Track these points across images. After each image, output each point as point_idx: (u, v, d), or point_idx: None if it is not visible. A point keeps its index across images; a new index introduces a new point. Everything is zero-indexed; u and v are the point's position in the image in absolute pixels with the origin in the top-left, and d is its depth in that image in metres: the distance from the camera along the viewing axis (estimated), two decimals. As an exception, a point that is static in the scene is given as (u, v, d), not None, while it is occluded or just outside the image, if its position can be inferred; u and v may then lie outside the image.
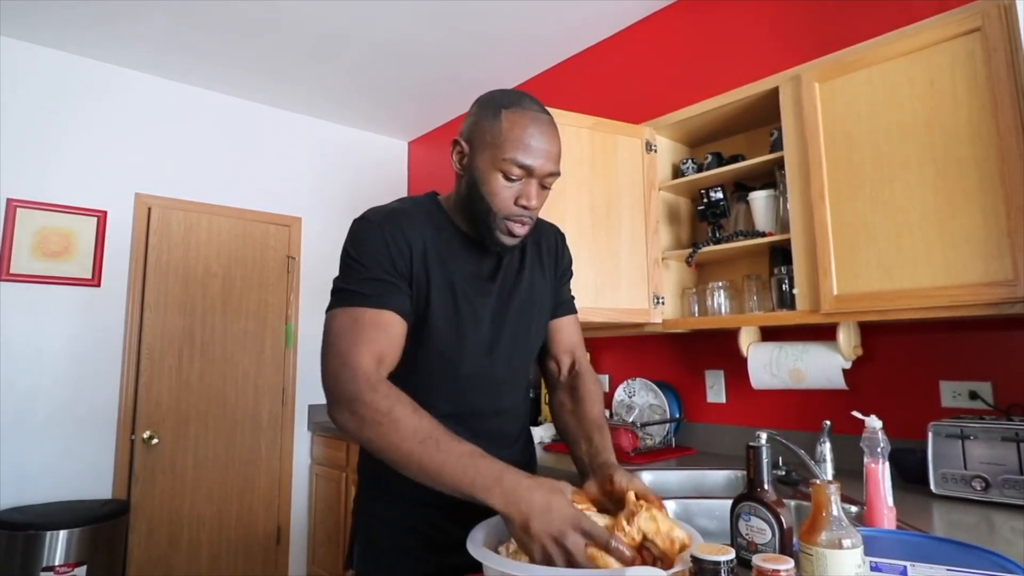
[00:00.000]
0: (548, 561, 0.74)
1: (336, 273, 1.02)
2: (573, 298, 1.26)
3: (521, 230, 1.00)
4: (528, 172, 0.96)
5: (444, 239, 1.04)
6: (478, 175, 0.98)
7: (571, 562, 0.73)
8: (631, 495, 0.85)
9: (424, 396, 1.00)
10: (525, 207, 0.98)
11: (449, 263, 1.03)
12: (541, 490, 0.78)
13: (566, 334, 1.21)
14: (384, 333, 0.93)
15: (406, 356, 0.99)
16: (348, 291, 0.96)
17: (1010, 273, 1.36)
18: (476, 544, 0.78)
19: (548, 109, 1.05)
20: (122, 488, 2.90)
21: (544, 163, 0.97)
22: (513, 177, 0.96)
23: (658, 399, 2.33)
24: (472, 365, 1.04)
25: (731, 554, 0.66)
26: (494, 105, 0.99)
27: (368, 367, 0.88)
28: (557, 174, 1.00)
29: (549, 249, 1.19)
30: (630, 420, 2.30)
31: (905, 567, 0.81)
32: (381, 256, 0.96)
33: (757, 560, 0.68)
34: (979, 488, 1.38)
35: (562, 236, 1.26)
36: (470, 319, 1.03)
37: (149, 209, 3.13)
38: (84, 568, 2.46)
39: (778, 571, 0.66)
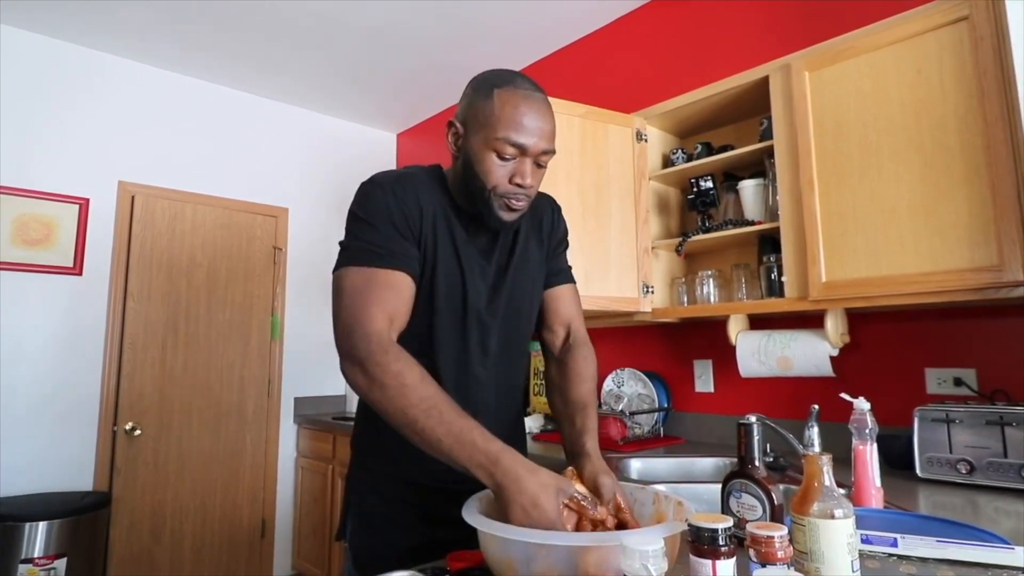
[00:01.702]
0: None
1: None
2: (570, 268, 1.25)
3: (519, 204, 1.00)
4: (521, 150, 0.96)
5: (447, 209, 1.04)
6: (472, 155, 0.98)
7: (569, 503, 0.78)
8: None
9: (426, 364, 0.99)
10: (520, 185, 0.98)
11: (455, 233, 1.03)
12: (533, 483, 0.77)
13: (563, 304, 1.19)
14: (395, 293, 0.93)
15: (414, 325, 0.98)
16: (358, 249, 0.95)
17: (995, 259, 1.37)
18: (472, 512, 0.78)
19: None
20: (103, 480, 2.85)
21: (537, 141, 0.97)
22: (507, 156, 0.96)
23: (647, 389, 2.33)
24: (473, 335, 1.04)
25: (729, 522, 0.66)
26: (487, 85, 0.99)
27: (380, 327, 0.89)
28: (552, 152, 1.00)
29: (544, 221, 1.19)
30: (618, 409, 2.30)
31: (895, 539, 0.82)
32: (393, 215, 0.96)
33: (751, 528, 0.68)
34: (964, 471, 1.40)
35: (558, 207, 1.25)
36: (472, 291, 1.03)
37: (133, 197, 3.08)
38: (64, 560, 2.42)
39: (772, 538, 0.66)
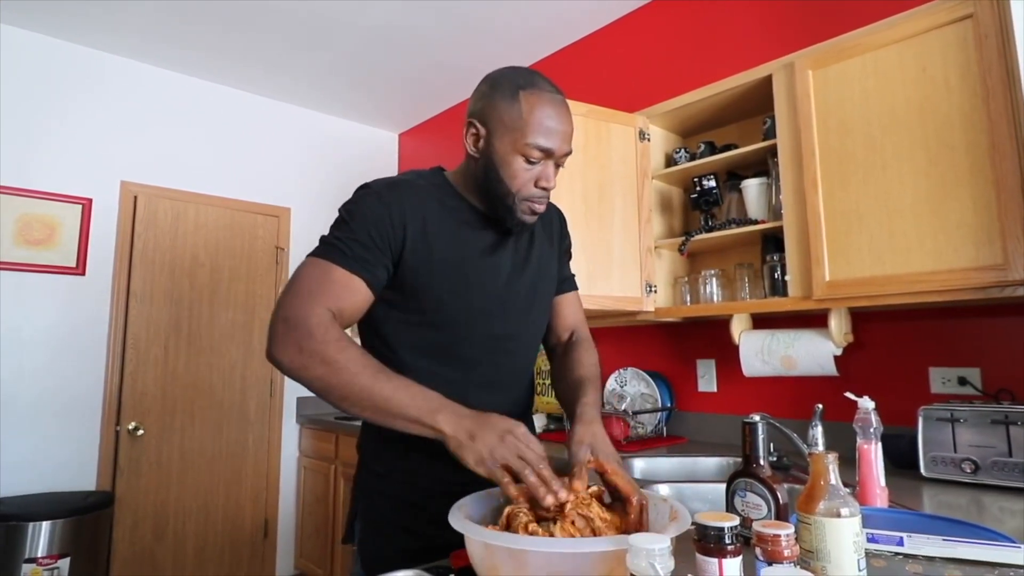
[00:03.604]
0: (489, 463, 0.79)
1: None
2: (574, 275, 1.28)
3: (541, 208, 1.02)
4: (548, 154, 0.97)
5: (449, 213, 1.03)
6: (497, 158, 0.98)
7: (521, 455, 0.78)
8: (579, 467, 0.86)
9: (433, 367, 0.99)
10: (545, 188, 0.99)
11: (456, 236, 1.02)
12: (484, 413, 0.83)
13: (569, 310, 1.23)
14: (348, 294, 0.93)
15: (415, 329, 0.99)
16: (330, 245, 0.96)
17: (1000, 258, 1.37)
18: (458, 517, 0.77)
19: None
20: (106, 480, 2.86)
21: (562, 144, 0.98)
22: (534, 160, 0.97)
23: (649, 388, 2.33)
24: (481, 337, 1.04)
25: (735, 520, 0.65)
26: (511, 85, 0.98)
27: (324, 314, 0.89)
28: (571, 152, 1.02)
29: (554, 227, 1.21)
30: (621, 409, 2.30)
31: (901, 538, 0.82)
32: (371, 224, 0.96)
33: (757, 526, 0.68)
34: (969, 470, 1.40)
35: (563, 216, 1.27)
36: (479, 291, 1.03)
37: (135, 197, 3.08)
38: (67, 560, 2.42)
39: (778, 536, 0.66)
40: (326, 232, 1.01)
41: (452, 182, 1.08)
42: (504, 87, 0.98)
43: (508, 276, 1.07)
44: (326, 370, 0.85)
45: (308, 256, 0.97)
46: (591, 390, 1.05)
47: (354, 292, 0.94)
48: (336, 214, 1.03)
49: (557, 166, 1.00)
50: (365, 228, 0.96)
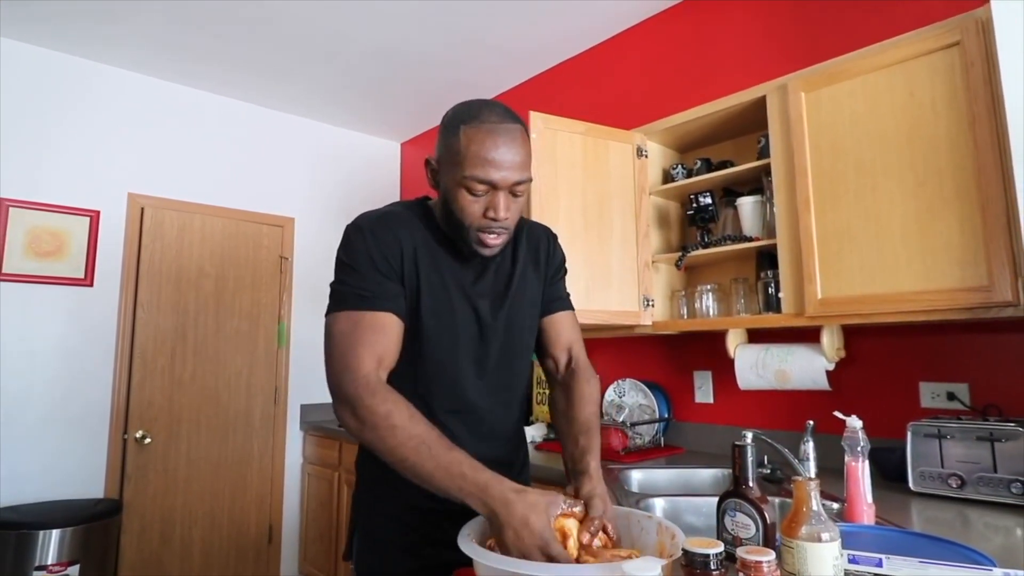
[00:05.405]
0: (515, 555, 0.80)
1: (328, 273, 1.06)
2: (568, 295, 1.28)
3: (494, 240, 1.02)
4: (491, 186, 0.97)
5: (435, 242, 1.07)
6: (447, 193, 1.02)
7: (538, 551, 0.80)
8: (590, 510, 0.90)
9: (421, 392, 1.04)
10: (494, 219, 0.99)
11: (441, 265, 1.06)
12: (522, 505, 0.82)
13: (563, 330, 1.23)
14: (382, 335, 0.97)
15: (403, 355, 1.03)
16: (345, 294, 1.00)
17: (985, 279, 1.41)
18: (466, 540, 0.82)
19: (519, 116, 1.04)
20: (114, 487, 2.91)
21: (506, 175, 0.97)
22: (477, 193, 0.98)
23: (647, 399, 2.37)
24: (466, 364, 1.08)
25: (720, 547, 0.70)
26: (455, 121, 1.00)
27: (368, 370, 0.93)
28: (526, 181, 1.00)
29: (541, 250, 1.22)
30: (620, 420, 2.34)
31: (880, 559, 0.86)
32: (373, 258, 1.00)
33: (741, 552, 0.72)
34: (955, 485, 1.44)
35: (554, 236, 1.28)
36: (463, 319, 1.07)
37: (142, 209, 3.13)
38: (76, 567, 2.47)
39: (760, 562, 0.70)
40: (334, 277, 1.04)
41: (434, 212, 1.11)
42: (450, 124, 1.01)
43: (491, 303, 1.10)
44: (374, 435, 0.90)
45: (330, 313, 1.00)
46: (595, 441, 1.07)
47: (386, 331, 0.98)
48: (339, 223, 1.08)
49: (514, 195, 1.00)
50: (371, 264, 1.00)
